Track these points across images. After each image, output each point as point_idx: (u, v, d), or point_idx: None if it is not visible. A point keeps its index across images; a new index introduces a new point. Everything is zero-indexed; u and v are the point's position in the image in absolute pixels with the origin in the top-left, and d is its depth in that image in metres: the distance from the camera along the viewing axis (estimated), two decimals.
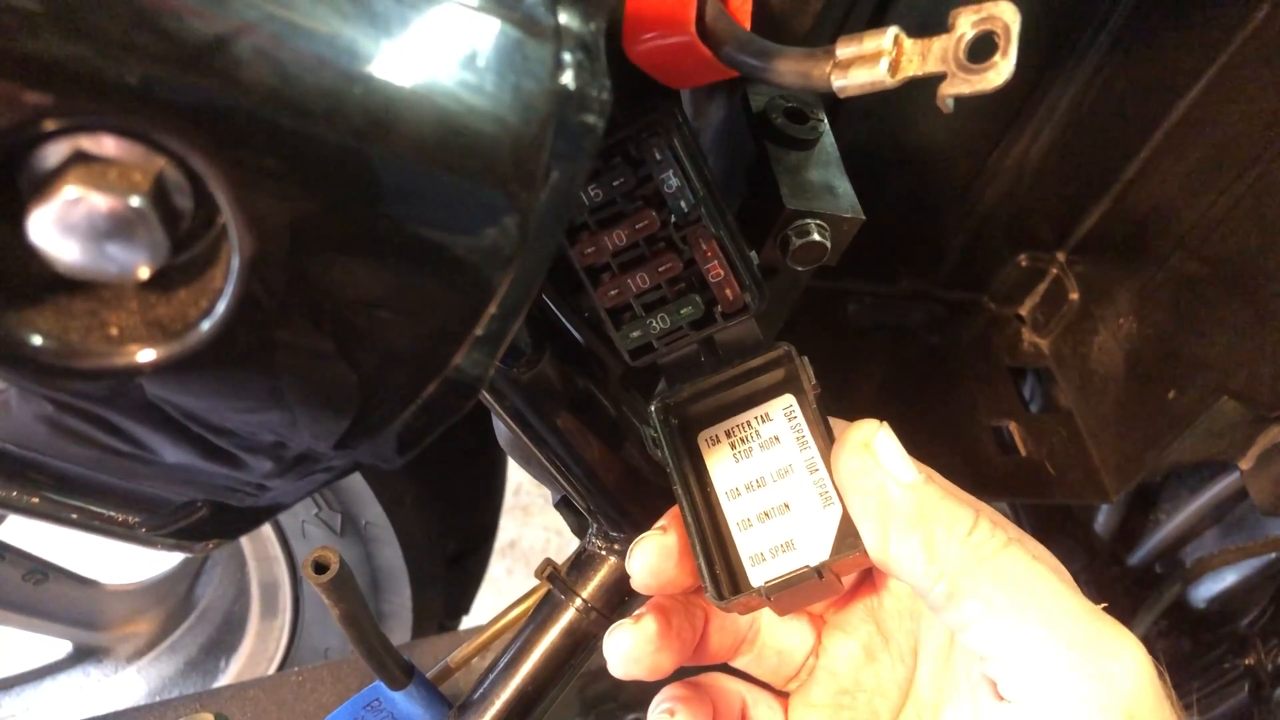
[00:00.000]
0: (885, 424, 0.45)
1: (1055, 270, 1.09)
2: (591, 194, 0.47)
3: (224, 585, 1.58)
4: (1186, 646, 1.21)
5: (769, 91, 0.62)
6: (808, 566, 0.47)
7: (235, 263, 0.27)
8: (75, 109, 0.24)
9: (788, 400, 0.51)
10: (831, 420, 0.51)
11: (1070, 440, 1.07)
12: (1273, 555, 1.12)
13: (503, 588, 2.36)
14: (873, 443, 0.44)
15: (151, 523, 0.42)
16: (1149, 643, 1.13)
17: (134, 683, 1.59)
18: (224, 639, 1.56)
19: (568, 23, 0.28)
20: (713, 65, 0.43)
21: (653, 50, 0.44)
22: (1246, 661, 1.14)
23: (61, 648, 1.61)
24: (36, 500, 0.40)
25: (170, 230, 0.26)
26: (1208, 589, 1.19)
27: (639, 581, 0.50)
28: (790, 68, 0.40)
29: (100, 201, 0.24)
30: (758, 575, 0.49)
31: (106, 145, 0.25)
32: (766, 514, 0.49)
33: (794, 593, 0.47)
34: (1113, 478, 1.03)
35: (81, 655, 1.61)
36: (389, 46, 0.26)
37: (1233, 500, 1.10)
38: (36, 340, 0.27)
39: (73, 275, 0.26)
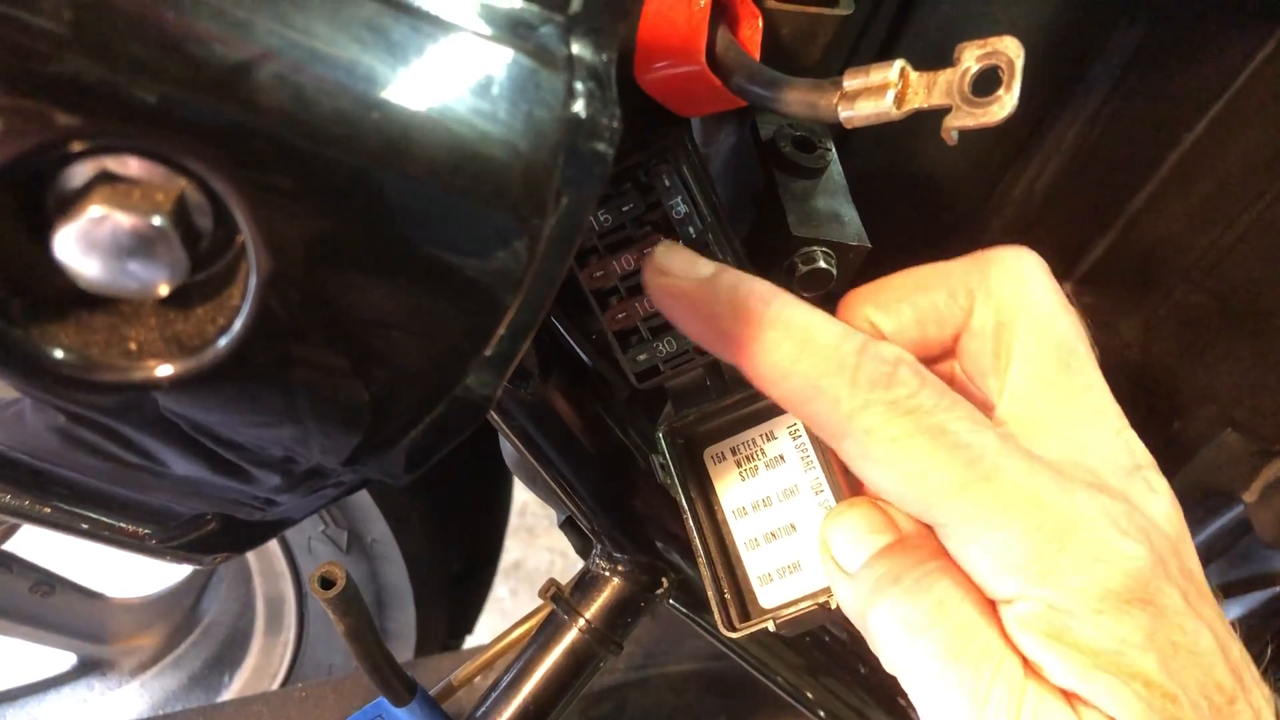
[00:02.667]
0: (851, 508, 0.43)
1: None
2: (601, 219, 0.48)
3: (229, 600, 1.58)
4: None
5: (777, 120, 0.62)
6: (816, 603, 0.47)
7: (253, 281, 0.27)
8: (101, 130, 0.25)
9: (792, 419, 0.51)
10: None
11: None
12: (1278, 589, 1.11)
13: (507, 609, 2.36)
14: (828, 531, 0.44)
15: (161, 534, 0.42)
16: None
17: (137, 696, 1.59)
18: (228, 654, 1.56)
19: (580, 53, 0.29)
20: (722, 94, 0.44)
21: (663, 79, 0.45)
22: None
23: (66, 660, 1.61)
24: (49, 510, 0.41)
25: (190, 249, 0.26)
26: None
27: None
28: (798, 98, 0.41)
29: (124, 220, 0.25)
30: (767, 596, 0.49)
31: (131, 166, 0.25)
32: (773, 534, 0.50)
33: (803, 623, 0.48)
34: None
35: (86, 668, 1.61)
36: (405, 74, 0.26)
37: (1237, 533, 1.09)
38: (58, 353, 0.28)
39: (95, 291, 0.27)
